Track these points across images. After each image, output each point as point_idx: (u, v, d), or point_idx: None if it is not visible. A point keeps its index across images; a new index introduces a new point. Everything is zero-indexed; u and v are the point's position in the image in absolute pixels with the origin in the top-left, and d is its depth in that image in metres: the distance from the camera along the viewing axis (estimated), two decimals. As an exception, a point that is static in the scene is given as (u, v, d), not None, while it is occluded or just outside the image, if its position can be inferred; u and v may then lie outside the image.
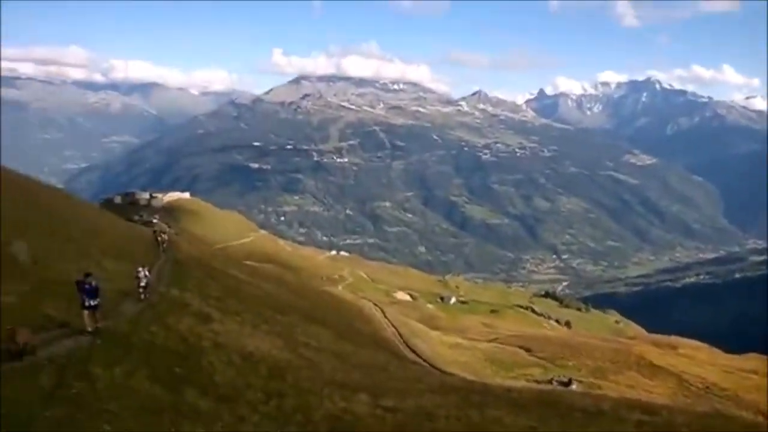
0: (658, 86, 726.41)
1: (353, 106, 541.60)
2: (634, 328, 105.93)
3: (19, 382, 10.97)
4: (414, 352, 37.27)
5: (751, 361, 44.33)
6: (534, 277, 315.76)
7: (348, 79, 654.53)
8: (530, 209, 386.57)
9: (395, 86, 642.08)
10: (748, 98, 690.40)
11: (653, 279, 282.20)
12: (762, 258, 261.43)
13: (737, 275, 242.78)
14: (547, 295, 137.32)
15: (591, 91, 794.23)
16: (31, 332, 12.63)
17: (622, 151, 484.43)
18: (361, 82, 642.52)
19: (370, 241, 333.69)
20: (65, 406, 10.44)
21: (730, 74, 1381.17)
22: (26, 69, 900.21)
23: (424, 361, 34.48)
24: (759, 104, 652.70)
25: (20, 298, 16.23)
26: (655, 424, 14.82)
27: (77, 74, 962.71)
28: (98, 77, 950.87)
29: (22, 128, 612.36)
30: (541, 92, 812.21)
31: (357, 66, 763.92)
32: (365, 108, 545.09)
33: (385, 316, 48.15)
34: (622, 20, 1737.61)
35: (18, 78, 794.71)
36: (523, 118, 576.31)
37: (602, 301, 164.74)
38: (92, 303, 15.36)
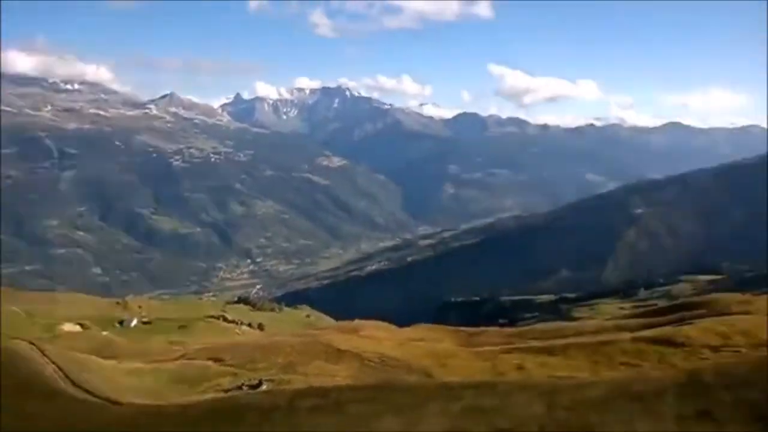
0: (348, 93, 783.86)
1: (11, 109, 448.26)
2: (325, 320, 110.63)
3: None
4: (81, 387, 31.23)
5: (419, 331, 50.14)
6: (227, 285, 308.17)
7: (5, 76, 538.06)
8: (225, 215, 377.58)
9: (68, 86, 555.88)
10: (421, 105, 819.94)
11: (341, 271, 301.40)
12: (429, 242, 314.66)
13: (409, 259, 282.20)
14: (239, 300, 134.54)
15: (287, 96, 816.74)
16: None
17: (315, 153, 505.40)
18: (23, 80, 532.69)
19: (29, 268, 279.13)
20: None
21: (408, 84, 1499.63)
22: None
23: (94, 395, 29.06)
24: (431, 110, 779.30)
25: None
26: (327, 406, 15.43)
27: None
28: None
29: None
30: (238, 96, 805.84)
31: (18, 62, 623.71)
32: (27, 110, 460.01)
33: (44, 355, 39.68)
34: (316, 29, 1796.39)
35: None
36: (218, 122, 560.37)
37: (295, 299, 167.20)
38: None
